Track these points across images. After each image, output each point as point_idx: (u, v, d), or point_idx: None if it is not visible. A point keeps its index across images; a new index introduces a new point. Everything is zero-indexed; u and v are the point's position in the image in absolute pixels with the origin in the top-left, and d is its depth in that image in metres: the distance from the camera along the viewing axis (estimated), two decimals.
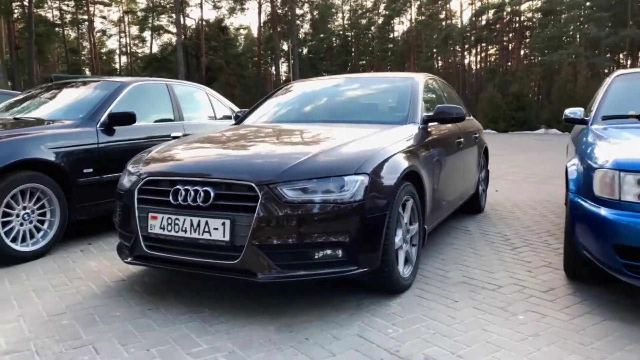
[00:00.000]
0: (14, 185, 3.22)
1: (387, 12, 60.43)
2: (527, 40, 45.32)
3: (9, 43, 35.25)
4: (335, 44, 62.11)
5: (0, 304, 2.56)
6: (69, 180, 3.59)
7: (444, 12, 57.76)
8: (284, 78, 52.19)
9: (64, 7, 47.98)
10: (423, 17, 57.82)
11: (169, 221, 2.39)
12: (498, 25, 48.99)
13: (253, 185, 2.27)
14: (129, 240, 2.60)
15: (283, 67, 59.99)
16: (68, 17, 49.29)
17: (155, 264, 2.52)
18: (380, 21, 61.98)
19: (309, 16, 57.95)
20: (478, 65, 58.59)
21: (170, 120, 4.76)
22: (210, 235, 2.30)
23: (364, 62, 62.08)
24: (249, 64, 57.94)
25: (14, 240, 3.25)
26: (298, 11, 49.29)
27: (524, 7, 46.13)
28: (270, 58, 58.71)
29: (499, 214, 4.81)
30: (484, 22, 53.63)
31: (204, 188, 2.35)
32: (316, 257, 2.29)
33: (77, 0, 45.86)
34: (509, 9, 47.00)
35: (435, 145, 3.28)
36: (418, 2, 57.56)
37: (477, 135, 4.66)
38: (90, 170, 3.77)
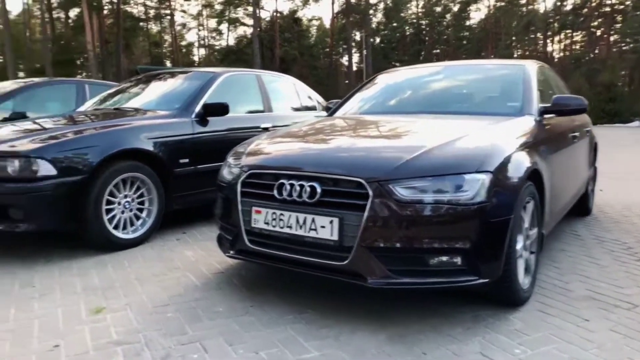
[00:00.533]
0: (116, 174, 3.29)
1: None
2: (618, 25, 41.89)
3: (99, 38, 37.50)
4: (408, 33, 60.83)
5: (107, 290, 2.60)
6: (166, 170, 3.63)
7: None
8: (355, 68, 51.98)
9: (148, 3, 50.40)
10: (502, 3, 55.17)
11: (274, 216, 2.30)
12: (585, 10, 45.64)
13: (363, 182, 2.12)
14: (231, 233, 2.54)
15: (354, 58, 59.68)
16: (152, 12, 51.76)
17: (257, 260, 2.44)
18: (456, 8, 59.92)
19: (382, 5, 57.01)
20: (562, 54, 55.11)
21: (259, 111, 4.73)
22: (317, 233, 2.18)
23: (437, 51, 60.30)
24: (321, 55, 58.09)
25: (116, 227, 3.32)
26: (371, 0, 48.61)
27: None
28: (342, 48, 58.62)
29: (609, 217, 4.36)
30: (569, 7, 50.26)
31: (309, 183, 2.23)
32: (431, 263, 2.11)
33: None
34: None
35: (552, 140, 2.96)
36: None
37: (588, 129, 4.23)
38: (186, 160, 3.79)
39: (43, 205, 2.97)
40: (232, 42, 54.53)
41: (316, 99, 5.70)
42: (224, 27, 55.18)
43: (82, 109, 4.64)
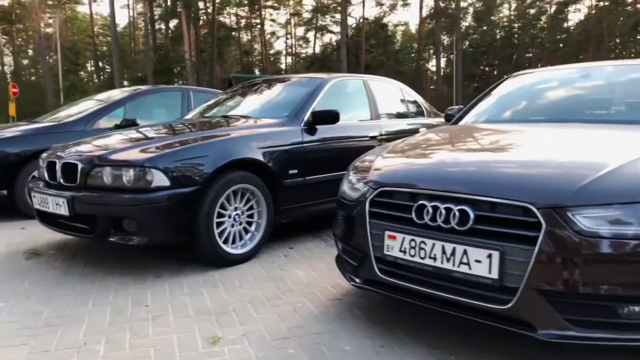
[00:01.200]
0: (229, 185, 3.12)
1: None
2: None
3: (195, 47, 39.50)
4: (498, 37, 58.18)
5: (221, 315, 2.40)
6: (275, 181, 3.42)
7: None
8: (442, 73, 50.47)
9: (240, 13, 52.45)
10: (606, 3, 51.06)
11: (412, 244, 1.96)
12: None
13: (532, 208, 1.71)
14: (356, 258, 2.24)
15: (441, 63, 58.02)
16: (243, 22, 53.80)
17: (390, 293, 2.11)
18: (552, 10, 56.41)
19: (471, 9, 54.96)
20: None
21: (367, 118, 4.42)
22: (470, 268, 1.81)
23: (529, 55, 57.04)
24: (406, 60, 57.07)
25: (225, 241, 3.16)
26: (462, 3, 46.93)
27: None
28: (429, 54, 57.25)
29: None
30: None
31: (458, 207, 1.87)
32: (621, 313, 1.66)
33: (251, 6, 49.60)
34: None
35: None
36: None
37: None
38: (295, 171, 3.57)
39: (157, 217, 2.86)
40: (317, 49, 55.33)
41: (423, 104, 5.31)
42: (311, 34, 56.13)
43: (188, 116, 4.60)
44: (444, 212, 1.90)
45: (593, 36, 50.67)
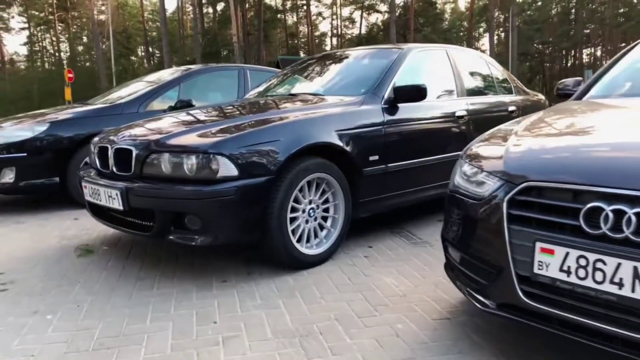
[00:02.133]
0: (304, 174, 2.64)
1: None
2: None
3: (243, 30, 39.28)
4: (554, 12, 54.93)
5: (305, 337, 1.94)
6: (355, 169, 2.92)
7: None
8: (495, 52, 48.18)
9: None
10: None
11: (582, 262, 1.41)
12: None
13: None
14: (485, 275, 1.71)
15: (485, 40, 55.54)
16: (288, 3, 53.17)
17: (541, 324, 1.57)
18: None
19: None
20: None
21: (451, 95, 3.82)
22: None
23: (587, 31, 53.54)
24: (455, 38, 54.84)
25: (298, 240, 2.69)
26: None
27: None
28: (479, 32, 54.83)
29: None
30: None
31: None
32: None
33: None
34: None
35: None
36: None
37: None
38: (376, 157, 3.05)
39: (223, 213, 2.42)
40: (364, 30, 54.06)
41: (511, 79, 4.63)
42: (357, 14, 54.86)
43: (248, 96, 4.15)
44: (634, 219, 1.34)
45: None
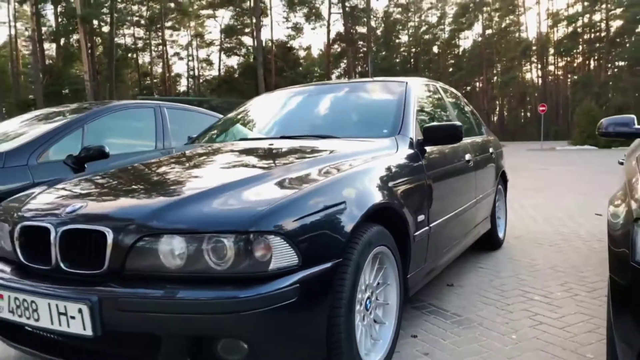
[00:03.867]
0: (367, 251, 1.83)
1: (453, 27, 58.82)
2: (619, 49, 42.03)
3: (91, 68, 36.03)
4: (398, 60, 60.81)
5: None
6: (407, 235, 2.19)
7: (517, 25, 55.45)
8: None
9: (137, 34, 49.21)
10: (492, 31, 55.67)
11: None
12: (586, 36, 45.98)
13: None
14: None
15: None
16: (140, 43, 50.56)
17: None
18: (445, 36, 60.33)
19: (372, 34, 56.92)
20: (551, 78, 55.57)
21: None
22: None
23: (427, 76, 60.16)
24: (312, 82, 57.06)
25: None
26: (363, 29, 48.03)
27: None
28: (335, 76, 58.08)
29: None
30: (561, 32, 50.81)
31: None
32: None
33: (150, 26, 46.76)
34: (597, 17, 44.13)
35: None
36: (487, 15, 55.65)
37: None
38: (422, 217, 2.35)
39: (284, 327, 1.50)
40: (222, 71, 53.41)
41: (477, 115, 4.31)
42: (215, 57, 54.16)
43: (206, 143, 3.08)
44: None
45: (484, 60, 54.73)
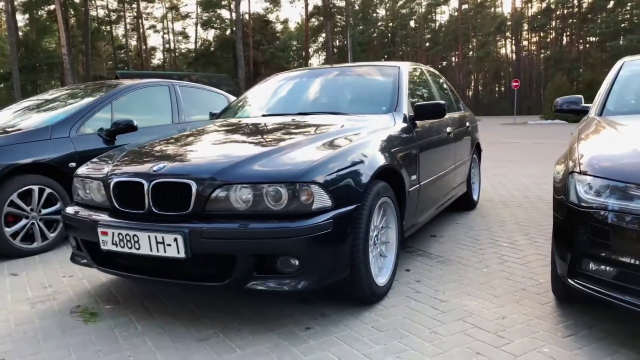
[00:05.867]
0: (376, 199, 2.45)
1: (430, 1, 59.10)
2: (590, 25, 43.29)
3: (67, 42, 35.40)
4: (375, 35, 61.01)
5: None
6: (403, 190, 2.81)
7: (493, 0, 56.09)
8: None
9: (111, 5, 48.21)
10: (467, 6, 56.25)
11: None
12: (558, 12, 47.03)
13: None
14: None
15: (320, 59, 59.42)
16: (113, 15, 49.55)
17: None
18: (422, 11, 60.70)
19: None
20: (525, 54, 56.71)
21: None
22: None
23: (401, 53, 60.70)
24: (290, 57, 57.06)
25: None
26: (340, 3, 47.98)
27: None
28: (313, 50, 58.06)
29: None
30: (535, 8, 51.73)
31: None
32: None
33: None
34: None
35: None
36: None
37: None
38: (415, 177, 2.99)
39: (323, 249, 2.10)
40: (199, 45, 52.86)
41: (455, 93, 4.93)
42: (190, 30, 53.55)
43: (241, 115, 3.57)
44: None
45: (460, 35, 55.36)
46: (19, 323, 2.35)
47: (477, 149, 4.96)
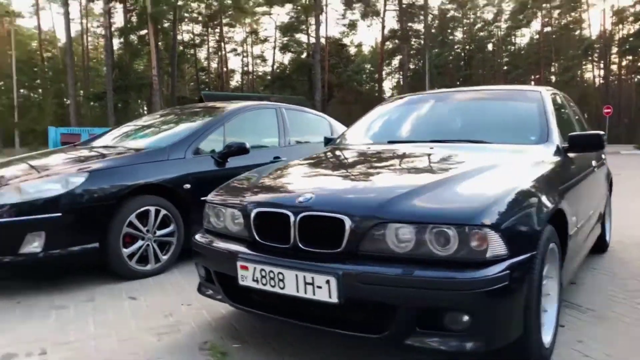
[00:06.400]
0: (547, 244, 2.09)
1: (510, 24, 57.33)
2: None
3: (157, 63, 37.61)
4: (451, 58, 59.83)
5: None
6: (566, 233, 2.43)
7: (579, 23, 53.48)
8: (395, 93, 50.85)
9: (195, 30, 50.82)
10: (550, 28, 53.88)
11: None
12: None
13: None
14: None
15: (389, 84, 59.10)
16: (197, 39, 52.14)
17: None
18: (501, 34, 58.95)
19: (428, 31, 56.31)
20: (612, 78, 53.32)
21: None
22: None
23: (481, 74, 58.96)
24: (363, 81, 57.09)
25: None
26: (417, 26, 47.56)
27: None
28: (386, 74, 57.79)
29: None
30: (627, 31, 48.64)
31: None
32: None
33: (209, 21, 48.03)
34: None
35: None
36: (545, 12, 53.84)
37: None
38: (574, 219, 2.59)
39: (499, 306, 1.79)
40: (275, 68, 54.26)
41: None
42: (268, 53, 55.12)
43: (355, 142, 3.27)
44: None
45: (542, 59, 53.05)
46: (149, 357, 2.21)
47: (609, 182, 4.43)
